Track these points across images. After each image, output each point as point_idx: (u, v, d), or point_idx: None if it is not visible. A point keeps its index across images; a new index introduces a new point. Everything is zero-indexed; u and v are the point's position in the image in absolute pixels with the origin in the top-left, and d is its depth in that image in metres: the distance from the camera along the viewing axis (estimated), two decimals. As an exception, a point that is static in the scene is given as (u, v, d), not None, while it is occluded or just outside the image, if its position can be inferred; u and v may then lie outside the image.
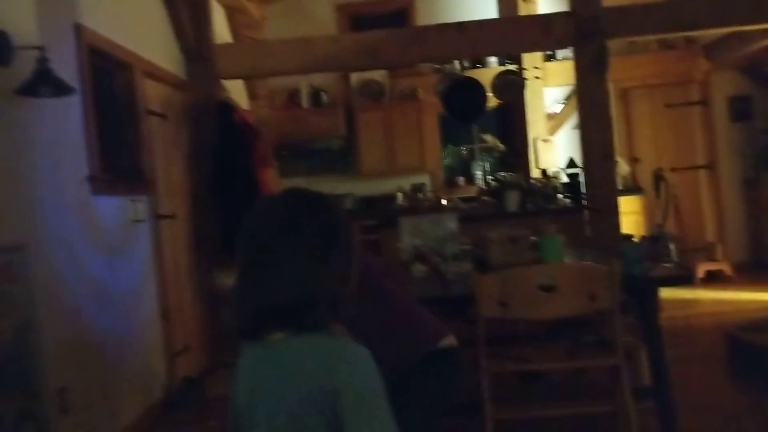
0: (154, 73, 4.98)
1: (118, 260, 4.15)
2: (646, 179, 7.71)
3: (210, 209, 5.40)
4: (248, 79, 7.16)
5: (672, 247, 3.55)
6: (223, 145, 5.36)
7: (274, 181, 6.94)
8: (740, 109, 8.03)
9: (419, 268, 3.42)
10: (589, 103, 5.55)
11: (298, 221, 1.43)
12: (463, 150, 8.98)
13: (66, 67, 3.61)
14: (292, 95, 8.50)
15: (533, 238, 3.53)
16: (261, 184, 5.59)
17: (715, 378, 4.48)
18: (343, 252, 1.46)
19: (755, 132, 7.85)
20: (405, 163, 8.46)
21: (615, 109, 7.23)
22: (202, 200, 5.45)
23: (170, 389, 4.67)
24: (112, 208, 4.16)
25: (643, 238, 3.77)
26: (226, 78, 5.77)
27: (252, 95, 7.60)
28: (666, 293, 3.46)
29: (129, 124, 4.62)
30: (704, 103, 8.10)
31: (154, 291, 4.66)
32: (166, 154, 5.12)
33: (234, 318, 1.46)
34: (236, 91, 6.61)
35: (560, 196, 6.28)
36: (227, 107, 5.53)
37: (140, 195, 4.57)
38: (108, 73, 4.45)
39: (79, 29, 3.86)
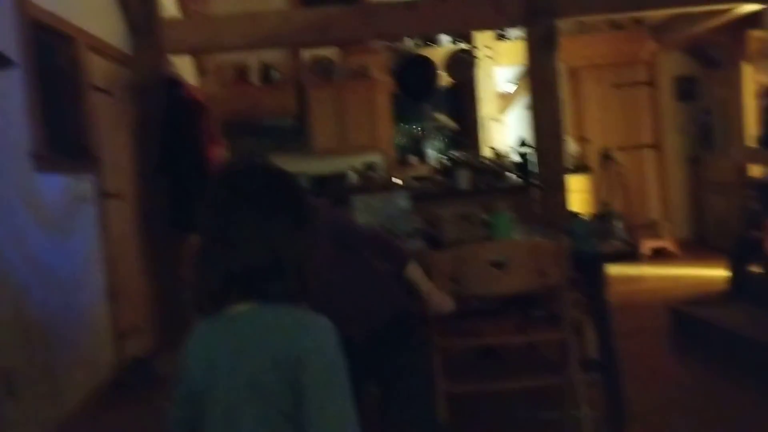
0: (99, 48, 4.84)
1: (62, 239, 4.05)
2: (594, 158, 7.84)
3: (157, 187, 5.30)
4: (196, 54, 7.01)
5: (618, 224, 3.63)
6: (170, 122, 5.25)
7: (222, 159, 6.84)
8: (685, 89, 8.20)
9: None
10: (540, 83, 5.59)
11: (266, 189, 1.43)
12: (416, 129, 9.00)
13: (6, 40, 3.48)
14: (242, 72, 8.36)
15: (484, 215, 3.57)
16: (209, 161, 5.50)
17: (659, 351, 4.62)
18: (310, 221, 1.46)
19: (698, 112, 8.03)
20: (357, 142, 8.42)
21: (565, 89, 7.31)
22: (148, 178, 5.35)
23: (118, 369, 4.60)
24: (56, 186, 4.05)
25: (591, 216, 3.85)
26: (173, 53, 5.64)
27: (200, 71, 7.45)
28: (612, 269, 3.54)
29: (73, 99, 4.49)
30: (651, 83, 8.25)
31: (101, 271, 4.57)
32: (112, 132, 5.00)
33: (197, 290, 1.43)
34: (184, 66, 6.48)
35: (510, 174, 6.35)
36: (174, 83, 5.41)
37: (85, 173, 4.46)
38: (51, 47, 4.31)
39: (19, 1, 3.72)
